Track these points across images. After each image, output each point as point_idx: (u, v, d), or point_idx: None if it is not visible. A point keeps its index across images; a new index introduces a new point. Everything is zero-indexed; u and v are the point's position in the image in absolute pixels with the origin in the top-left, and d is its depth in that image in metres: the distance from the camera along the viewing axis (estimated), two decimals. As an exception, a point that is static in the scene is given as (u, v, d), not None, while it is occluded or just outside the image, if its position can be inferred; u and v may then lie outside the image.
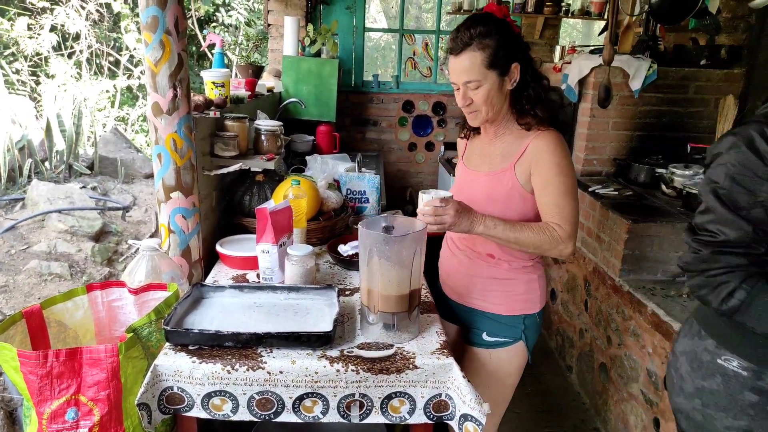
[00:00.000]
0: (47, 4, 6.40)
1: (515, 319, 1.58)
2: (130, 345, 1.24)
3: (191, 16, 6.86)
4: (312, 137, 3.39)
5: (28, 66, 6.37)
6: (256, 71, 3.18)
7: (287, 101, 3.37)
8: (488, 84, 1.42)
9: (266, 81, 3.50)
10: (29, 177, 3.27)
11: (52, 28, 6.38)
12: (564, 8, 4.26)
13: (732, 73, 3.02)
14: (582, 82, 3.07)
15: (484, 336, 1.61)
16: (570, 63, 3.17)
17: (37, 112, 5.05)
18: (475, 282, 1.60)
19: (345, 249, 1.87)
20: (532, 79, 1.46)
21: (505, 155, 1.51)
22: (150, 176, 3.84)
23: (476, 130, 1.63)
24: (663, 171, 2.77)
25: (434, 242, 1.70)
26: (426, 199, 1.38)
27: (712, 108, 3.04)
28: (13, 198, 2.99)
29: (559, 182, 1.41)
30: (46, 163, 3.48)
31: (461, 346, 1.69)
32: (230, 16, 7.37)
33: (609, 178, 3.10)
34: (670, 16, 2.73)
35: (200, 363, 1.25)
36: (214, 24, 7.40)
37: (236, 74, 3.14)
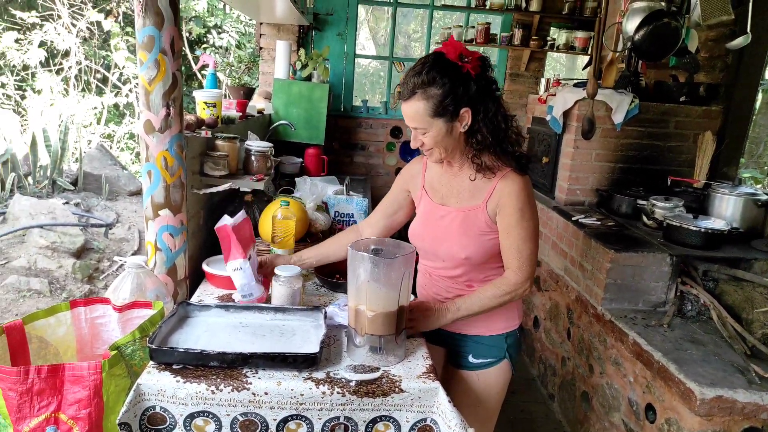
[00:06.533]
0: (37, 21, 6.41)
1: (498, 339, 1.62)
2: (114, 363, 1.22)
3: (183, 37, 6.90)
4: (300, 159, 3.41)
5: (15, 80, 6.33)
6: (247, 93, 3.21)
7: (277, 123, 3.40)
8: (434, 130, 1.42)
9: (257, 103, 3.53)
10: (11, 191, 3.23)
11: (41, 44, 6.37)
12: (549, 42, 4.39)
13: (710, 110, 3.12)
14: (566, 114, 3.15)
15: (471, 358, 1.64)
16: (555, 95, 3.25)
17: (22, 126, 5.00)
18: None
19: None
20: (485, 124, 1.42)
21: (474, 192, 1.51)
22: (134, 194, 3.81)
23: None
24: (644, 203, 2.83)
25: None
26: None
27: (691, 143, 3.14)
28: (-6, 212, 2.95)
29: (521, 227, 1.47)
30: (30, 178, 3.45)
31: (447, 369, 1.69)
32: (221, 38, 7.44)
33: (592, 207, 3.16)
34: (651, 54, 2.82)
35: (184, 382, 1.23)
36: (205, 45, 7.46)
37: (227, 95, 3.16)
